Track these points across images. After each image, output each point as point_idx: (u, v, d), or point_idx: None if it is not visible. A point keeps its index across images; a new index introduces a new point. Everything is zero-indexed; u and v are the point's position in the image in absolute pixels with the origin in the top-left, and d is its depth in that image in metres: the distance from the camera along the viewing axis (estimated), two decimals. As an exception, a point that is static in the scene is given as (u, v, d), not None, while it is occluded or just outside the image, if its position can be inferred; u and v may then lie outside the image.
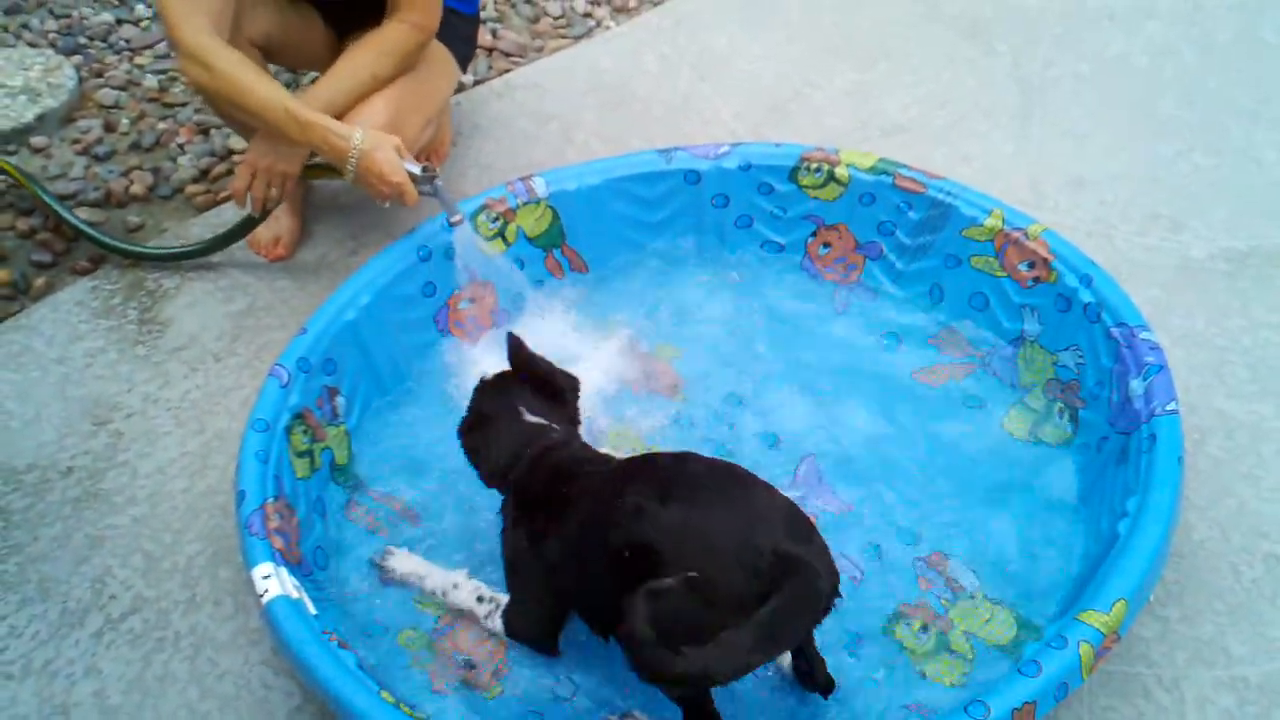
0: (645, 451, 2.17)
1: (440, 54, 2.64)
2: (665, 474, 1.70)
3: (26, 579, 2.09)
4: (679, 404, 2.32)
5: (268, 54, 2.54)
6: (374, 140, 2.26)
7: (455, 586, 1.96)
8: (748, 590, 1.50)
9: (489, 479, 1.94)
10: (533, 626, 1.89)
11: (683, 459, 1.76)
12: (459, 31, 2.72)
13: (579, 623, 1.89)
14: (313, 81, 3.08)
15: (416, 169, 2.28)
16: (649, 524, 1.58)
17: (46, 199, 2.78)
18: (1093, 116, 3.07)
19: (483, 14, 3.57)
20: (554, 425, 1.93)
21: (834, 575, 1.57)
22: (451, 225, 2.35)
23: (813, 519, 1.66)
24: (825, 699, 1.78)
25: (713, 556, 1.53)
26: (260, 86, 2.25)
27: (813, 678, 1.78)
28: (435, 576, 1.98)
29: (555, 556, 1.78)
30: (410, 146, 2.50)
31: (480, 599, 1.93)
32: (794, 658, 1.80)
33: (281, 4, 2.53)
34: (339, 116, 2.37)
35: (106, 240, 2.70)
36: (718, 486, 1.64)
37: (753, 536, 1.54)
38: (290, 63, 2.76)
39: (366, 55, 2.42)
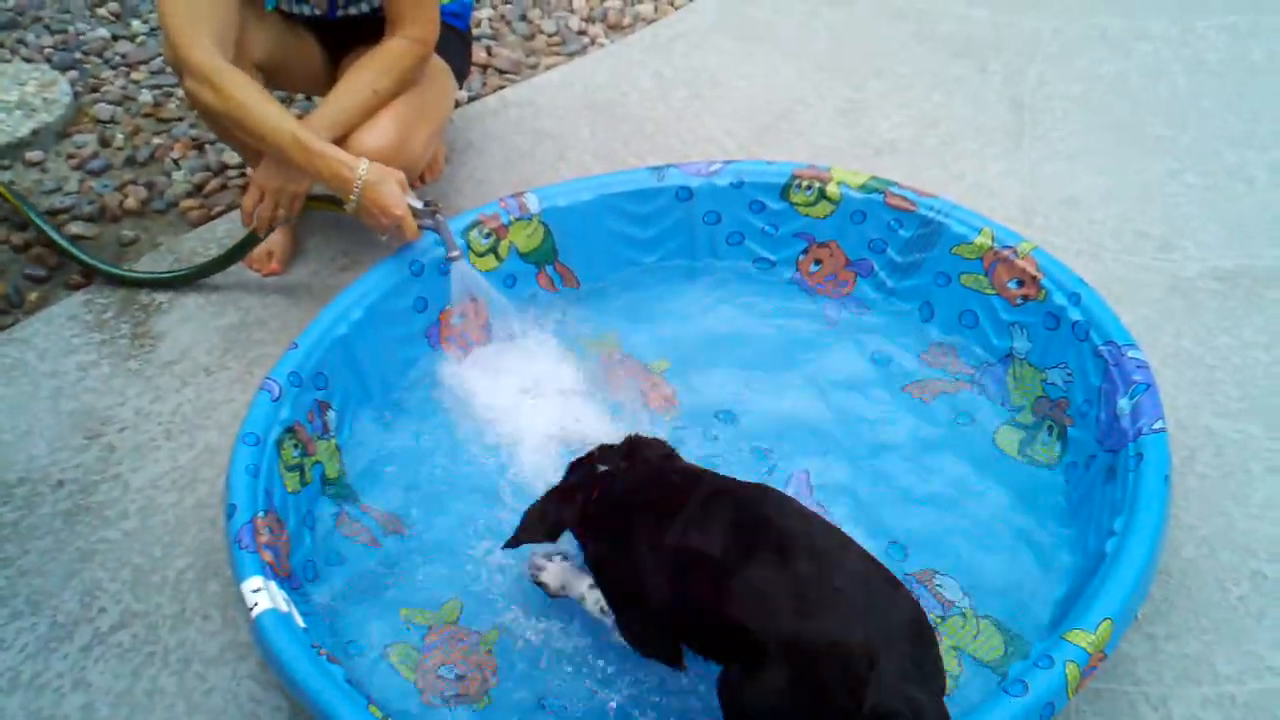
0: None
1: (442, 69, 2.66)
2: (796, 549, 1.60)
3: (16, 592, 2.08)
4: (671, 419, 2.32)
5: (267, 76, 2.55)
6: (378, 173, 2.27)
7: (582, 599, 1.90)
8: None
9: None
10: (649, 641, 1.81)
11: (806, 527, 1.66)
12: (455, 47, 2.75)
13: (574, 631, 1.90)
14: (307, 99, 3.10)
15: (418, 203, 2.31)
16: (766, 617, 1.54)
17: (38, 222, 2.79)
18: (1084, 136, 3.09)
19: (477, 31, 3.60)
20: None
21: None
22: (449, 261, 2.35)
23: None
24: None
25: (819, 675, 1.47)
26: (268, 112, 2.26)
27: None
28: (575, 586, 1.92)
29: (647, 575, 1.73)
30: (417, 162, 2.54)
31: (602, 610, 1.87)
32: None
33: (279, 27, 2.55)
34: (345, 135, 2.39)
35: (109, 269, 2.71)
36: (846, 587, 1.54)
37: (864, 669, 1.44)
38: (287, 85, 2.78)
39: (368, 73, 2.43)
